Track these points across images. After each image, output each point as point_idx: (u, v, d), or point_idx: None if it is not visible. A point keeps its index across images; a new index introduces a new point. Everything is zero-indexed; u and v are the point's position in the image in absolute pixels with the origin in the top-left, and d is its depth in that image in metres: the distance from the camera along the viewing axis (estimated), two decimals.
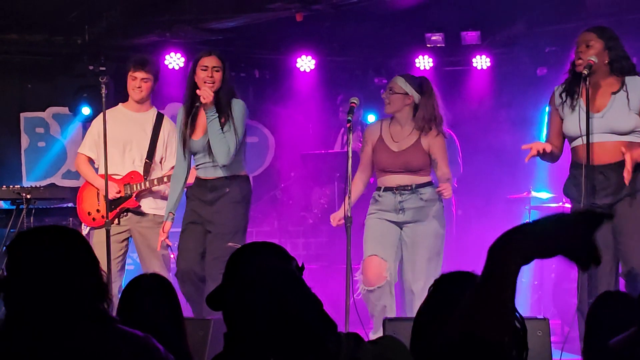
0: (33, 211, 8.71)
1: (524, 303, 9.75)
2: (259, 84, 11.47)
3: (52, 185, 10.06)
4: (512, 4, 10.20)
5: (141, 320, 3.83)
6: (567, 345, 6.53)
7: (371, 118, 11.29)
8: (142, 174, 7.77)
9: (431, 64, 11.49)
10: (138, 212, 7.78)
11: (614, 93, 6.46)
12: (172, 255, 8.38)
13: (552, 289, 9.39)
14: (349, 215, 6.70)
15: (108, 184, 7.57)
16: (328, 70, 11.59)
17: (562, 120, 6.65)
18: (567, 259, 2.10)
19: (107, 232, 7.16)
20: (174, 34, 10.12)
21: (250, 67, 11.37)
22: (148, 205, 7.81)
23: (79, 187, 10.27)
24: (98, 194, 7.87)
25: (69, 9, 10.01)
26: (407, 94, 7.45)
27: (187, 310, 7.84)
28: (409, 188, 7.39)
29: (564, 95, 6.66)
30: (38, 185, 9.05)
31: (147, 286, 4.00)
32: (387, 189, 7.45)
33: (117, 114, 7.85)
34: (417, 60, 11.48)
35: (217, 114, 7.04)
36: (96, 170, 7.93)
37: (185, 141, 7.24)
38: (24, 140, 10.51)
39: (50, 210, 9.50)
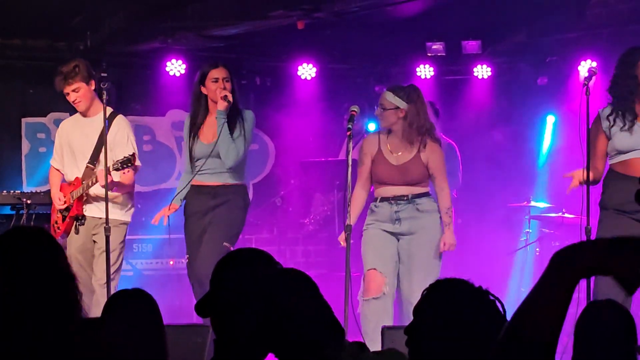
0: (33, 216, 8.71)
1: None
2: (260, 91, 11.48)
3: None
4: (513, 14, 10.21)
5: (120, 334, 3.82)
6: (566, 356, 6.53)
7: (372, 127, 11.30)
8: (81, 179, 7.64)
9: (432, 73, 11.49)
10: (94, 216, 7.63)
11: None
12: (171, 262, 8.41)
13: None
14: (349, 223, 6.72)
15: (56, 194, 7.74)
16: (329, 78, 11.60)
17: (608, 140, 6.70)
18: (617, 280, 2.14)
19: (107, 238, 7.13)
20: (176, 40, 10.13)
21: (251, 74, 11.38)
22: (99, 209, 7.54)
23: None
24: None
25: (71, 15, 10.03)
26: (398, 107, 7.43)
27: (184, 318, 7.86)
28: (405, 198, 7.40)
29: (611, 118, 6.70)
30: (38, 191, 9.05)
31: (128, 304, 3.97)
32: (383, 199, 7.47)
33: (74, 122, 7.82)
34: (417, 69, 11.49)
35: (226, 118, 7.22)
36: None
37: (191, 148, 7.41)
38: (25, 146, 10.51)
39: (50, 215, 9.51)
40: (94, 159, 7.60)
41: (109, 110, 7.59)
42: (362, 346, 3.26)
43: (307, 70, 11.41)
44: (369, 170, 7.56)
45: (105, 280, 7.27)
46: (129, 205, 7.72)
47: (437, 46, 11.16)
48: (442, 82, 11.61)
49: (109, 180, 7.18)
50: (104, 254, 7.31)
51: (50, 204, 8.93)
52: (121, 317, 3.87)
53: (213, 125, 7.34)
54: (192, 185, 7.47)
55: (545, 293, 2.19)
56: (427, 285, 3.19)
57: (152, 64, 10.78)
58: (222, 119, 7.24)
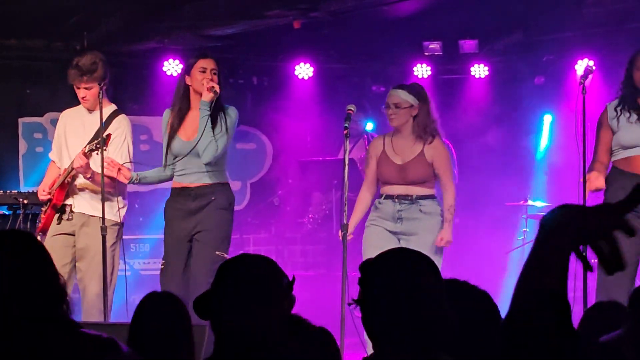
0: (30, 216, 8.70)
1: None
2: (257, 91, 11.49)
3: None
4: (510, 13, 10.22)
5: (152, 341, 3.85)
6: None
7: (369, 126, 11.31)
8: (67, 169, 7.42)
9: (429, 72, 11.50)
10: (83, 212, 7.38)
11: None
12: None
13: None
14: (345, 222, 6.72)
15: (41, 186, 7.61)
16: (326, 77, 11.60)
17: (613, 134, 6.71)
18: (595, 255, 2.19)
19: (103, 237, 7.07)
20: (172, 40, 10.13)
21: (248, 74, 11.38)
22: (90, 206, 7.38)
23: None
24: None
25: (68, 15, 10.02)
26: (412, 105, 7.46)
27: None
28: (409, 198, 7.41)
29: (619, 109, 6.71)
30: (35, 191, 9.04)
31: (156, 306, 4.00)
32: (388, 197, 7.48)
33: (74, 115, 7.64)
34: (415, 69, 11.49)
35: (209, 112, 6.93)
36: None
37: (170, 144, 7.13)
38: (22, 146, 10.51)
39: None
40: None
41: (113, 107, 7.55)
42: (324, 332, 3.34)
43: (304, 70, 11.41)
44: (374, 173, 7.56)
45: (101, 287, 7.14)
46: (121, 205, 7.50)
47: (434, 45, 11.17)
48: (439, 81, 11.61)
49: (83, 163, 7.04)
50: (96, 258, 7.16)
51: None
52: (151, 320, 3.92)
53: (194, 122, 7.05)
54: (172, 188, 7.24)
55: (539, 264, 2.23)
56: None
57: (149, 63, 10.78)
58: (205, 110, 6.92)
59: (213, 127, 6.98)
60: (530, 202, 10.29)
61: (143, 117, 10.83)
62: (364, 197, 7.58)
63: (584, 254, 2.21)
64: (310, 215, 11.27)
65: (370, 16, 10.11)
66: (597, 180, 6.73)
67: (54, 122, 10.50)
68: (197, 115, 7.03)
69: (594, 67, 6.83)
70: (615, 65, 8.56)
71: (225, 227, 7.10)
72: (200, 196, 7.03)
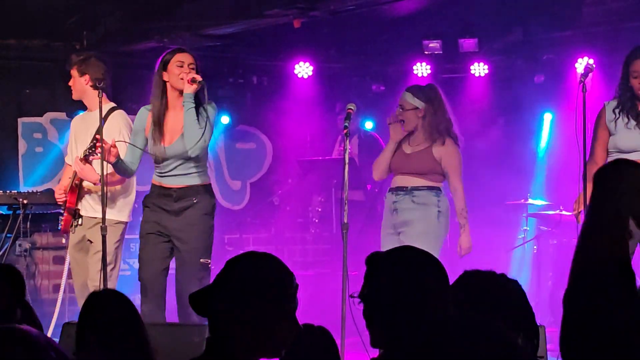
0: (30, 216, 8.71)
1: None
2: (257, 90, 11.48)
3: (49, 190, 10.00)
4: (510, 12, 10.21)
5: (101, 338, 3.80)
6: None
7: (369, 125, 11.31)
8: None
9: (429, 71, 11.49)
10: (89, 216, 7.46)
11: None
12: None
13: (549, 297, 9.39)
14: (346, 221, 6.72)
15: (57, 189, 7.65)
16: (326, 76, 11.60)
17: (610, 134, 6.69)
18: None
19: (103, 237, 7.06)
20: (172, 40, 10.11)
21: (248, 74, 11.37)
22: (94, 209, 7.44)
23: None
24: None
25: (67, 15, 10.02)
26: (417, 108, 7.58)
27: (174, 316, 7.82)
28: (404, 189, 7.55)
29: (617, 111, 6.69)
30: (35, 191, 9.05)
31: (103, 304, 3.95)
32: (390, 190, 7.69)
33: (80, 118, 7.77)
34: (414, 68, 11.48)
35: (194, 104, 6.70)
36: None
37: (151, 148, 6.92)
38: (22, 146, 10.50)
39: (47, 215, 9.50)
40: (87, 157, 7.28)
41: (110, 105, 7.57)
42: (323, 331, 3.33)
43: (303, 69, 11.40)
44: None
45: (98, 283, 7.14)
46: (125, 204, 7.57)
47: (434, 44, 11.15)
48: (439, 80, 11.58)
49: (79, 169, 7.11)
50: (98, 254, 7.20)
51: (46, 203, 8.94)
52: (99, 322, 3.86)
53: (175, 124, 6.87)
54: (153, 185, 7.07)
55: (599, 230, 2.18)
56: None
57: (149, 63, 10.70)
58: (189, 102, 6.68)
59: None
60: (530, 201, 10.28)
61: None
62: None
63: None
64: (310, 215, 11.26)
65: (370, 15, 10.10)
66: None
67: (53, 122, 10.52)
68: (177, 116, 6.86)
69: (594, 66, 6.82)
70: (615, 63, 8.53)
71: (209, 234, 6.94)
72: (182, 197, 6.88)
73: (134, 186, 7.66)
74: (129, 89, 10.60)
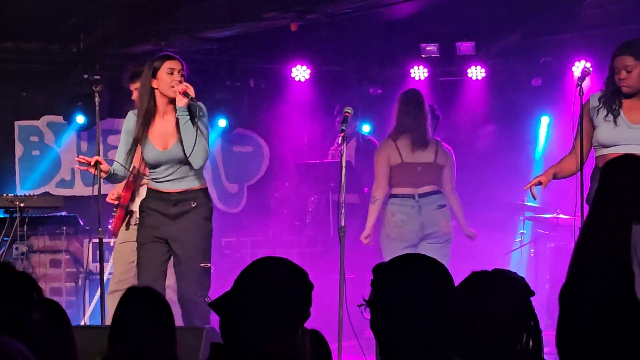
0: (26, 220, 8.69)
1: None
2: (254, 93, 11.47)
3: (46, 193, 10.04)
4: (507, 15, 10.21)
5: (133, 334, 3.82)
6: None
7: (366, 128, 11.30)
8: (133, 180, 7.48)
9: (426, 74, 11.49)
10: None
11: None
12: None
13: (546, 300, 9.38)
14: (343, 225, 6.71)
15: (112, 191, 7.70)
16: (323, 80, 11.59)
17: (593, 126, 6.66)
18: None
19: (100, 240, 7.06)
20: (169, 43, 10.11)
21: (245, 77, 11.35)
22: None
23: (72, 196, 10.30)
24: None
25: (64, 18, 10.00)
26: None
27: (178, 319, 7.82)
28: None
29: (601, 101, 6.66)
30: (32, 194, 9.03)
31: (138, 300, 3.97)
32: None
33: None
34: (412, 71, 11.48)
35: (188, 116, 6.67)
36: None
37: (145, 154, 6.87)
38: (18, 149, 10.48)
39: (44, 218, 9.50)
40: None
41: None
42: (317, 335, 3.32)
43: (301, 72, 11.39)
44: None
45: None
46: None
47: (431, 47, 11.16)
48: (437, 83, 11.60)
49: None
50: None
51: (43, 207, 8.93)
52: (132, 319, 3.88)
53: (164, 128, 6.82)
54: (149, 189, 7.00)
55: (601, 227, 2.15)
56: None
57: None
58: (184, 116, 6.64)
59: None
60: (527, 204, 10.28)
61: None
62: None
63: None
64: (307, 218, 11.25)
65: (367, 18, 10.10)
66: (542, 175, 6.84)
67: (50, 125, 10.52)
68: (167, 121, 6.82)
69: (591, 69, 6.80)
70: None
71: (208, 238, 6.90)
72: (181, 201, 6.82)
73: None
74: (125, 91, 10.60)
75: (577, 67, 10.22)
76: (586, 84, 6.70)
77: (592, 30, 10.10)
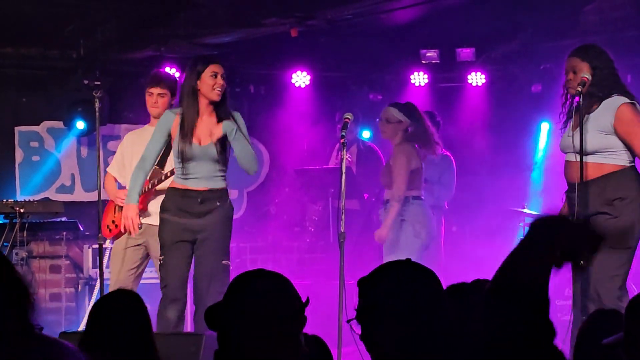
0: (26, 225, 8.69)
1: None
2: (254, 99, 11.47)
3: (46, 199, 10.04)
4: (507, 21, 10.22)
5: (108, 336, 3.79)
6: None
7: (366, 134, 11.30)
8: (149, 179, 7.48)
9: (426, 80, 11.49)
10: (150, 224, 7.44)
11: (588, 113, 6.47)
12: None
13: None
14: (342, 231, 6.71)
15: (117, 193, 7.75)
16: (323, 86, 11.59)
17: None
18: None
19: (100, 245, 7.08)
20: (169, 48, 10.12)
21: (245, 82, 11.36)
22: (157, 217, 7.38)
23: (72, 201, 10.28)
24: (115, 207, 7.79)
25: (64, 23, 10.01)
26: (400, 121, 8.28)
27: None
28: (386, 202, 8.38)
29: (560, 115, 6.71)
30: (32, 200, 9.03)
31: (115, 303, 3.94)
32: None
33: (143, 132, 7.79)
34: (412, 77, 11.48)
35: (241, 135, 7.02)
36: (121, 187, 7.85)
37: (182, 150, 7.01)
38: (18, 154, 10.48)
39: (44, 224, 9.49)
40: (161, 163, 7.47)
41: None
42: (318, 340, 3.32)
43: (301, 78, 11.39)
44: None
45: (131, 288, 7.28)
46: None
47: (431, 53, 11.16)
48: (437, 89, 11.60)
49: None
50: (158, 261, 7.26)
51: (43, 212, 8.92)
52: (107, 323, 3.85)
53: (206, 127, 7.02)
54: (173, 189, 7.13)
55: (525, 258, 2.42)
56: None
57: (146, 72, 10.72)
58: (233, 128, 6.96)
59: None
60: (527, 210, 10.27)
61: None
62: None
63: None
64: (306, 224, 11.25)
65: (368, 24, 10.11)
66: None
67: (50, 131, 10.51)
68: (204, 120, 7.03)
69: (590, 76, 6.79)
70: None
71: (229, 238, 7.13)
72: (207, 200, 7.01)
73: None
74: (125, 97, 10.62)
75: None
76: (586, 90, 6.68)
77: (592, 36, 10.08)
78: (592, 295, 6.14)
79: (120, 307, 3.91)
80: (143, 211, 7.49)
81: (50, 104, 10.46)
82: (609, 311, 4.05)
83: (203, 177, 7.04)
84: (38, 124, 10.58)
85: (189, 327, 8.37)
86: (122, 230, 7.38)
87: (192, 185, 7.05)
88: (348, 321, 3.22)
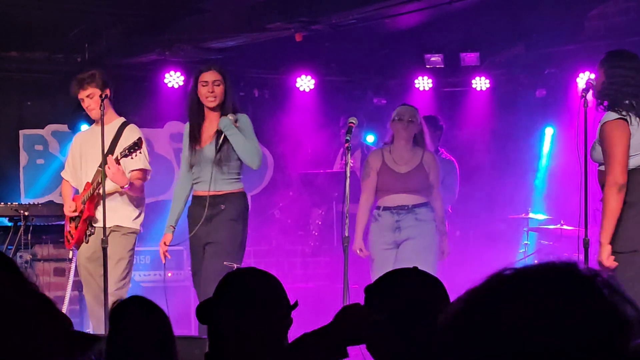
0: (31, 228, 8.70)
1: None
2: (258, 104, 11.47)
3: (50, 202, 10.05)
4: (511, 26, 10.22)
5: (129, 345, 3.79)
6: None
7: (370, 139, 11.30)
8: (91, 182, 7.53)
9: (430, 85, 11.50)
10: (102, 226, 7.38)
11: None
12: (169, 274, 8.40)
13: None
14: (346, 235, 6.72)
15: (67, 203, 7.69)
16: (327, 90, 11.60)
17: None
18: None
19: (104, 249, 7.10)
20: (173, 53, 10.12)
21: (249, 87, 11.37)
22: (109, 218, 7.38)
23: None
24: (69, 217, 7.77)
25: (69, 27, 10.02)
26: (419, 122, 8.14)
27: (181, 329, 7.84)
28: (406, 208, 7.84)
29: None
30: (36, 203, 9.05)
31: (133, 311, 3.94)
32: (386, 209, 7.89)
33: (88, 133, 7.86)
34: (416, 81, 11.49)
35: (236, 130, 7.16)
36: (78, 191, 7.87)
37: (192, 153, 7.30)
38: (23, 158, 10.49)
39: (48, 227, 9.50)
40: (103, 164, 7.39)
41: (122, 120, 7.77)
42: None
43: (305, 82, 11.41)
44: (373, 184, 8.03)
45: (116, 288, 7.35)
46: (139, 213, 7.67)
47: (436, 58, 11.17)
48: (441, 94, 11.61)
49: (115, 170, 7.21)
50: (116, 262, 7.38)
51: (47, 215, 8.93)
52: (126, 329, 3.84)
53: (209, 131, 7.28)
54: (192, 195, 7.46)
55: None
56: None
57: (150, 76, 10.77)
58: (226, 123, 7.16)
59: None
60: (531, 215, 10.27)
61: (144, 129, 10.77)
62: (366, 207, 7.86)
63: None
64: (310, 228, 11.25)
65: (372, 29, 10.11)
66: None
67: (55, 134, 10.52)
68: (211, 125, 7.24)
69: (594, 82, 6.78)
70: None
71: (235, 239, 7.23)
72: (212, 205, 7.17)
73: (144, 198, 7.77)
74: (130, 101, 10.61)
75: (582, 79, 10.20)
76: (590, 95, 6.68)
77: (596, 41, 10.09)
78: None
79: (139, 313, 3.90)
80: (91, 217, 7.52)
81: (55, 107, 10.46)
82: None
83: (206, 181, 7.19)
84: (43, 128, 10.59)
85: (192, 330, 8.40)
86: (78, 242, 7.51)
87: (199, 189, 7.30)
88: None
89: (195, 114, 7.37)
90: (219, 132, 7.16)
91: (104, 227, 7.13)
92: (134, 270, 9.86)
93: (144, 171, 7.53)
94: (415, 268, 3.22)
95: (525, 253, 10.37)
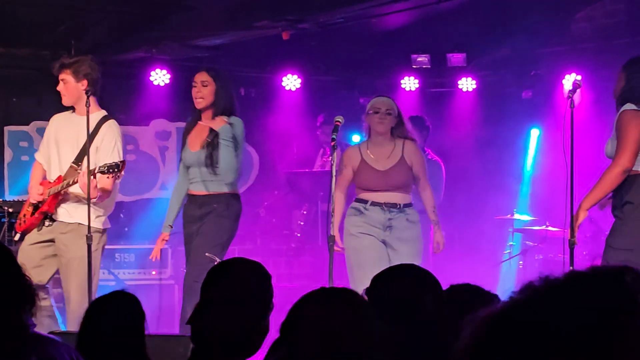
0: (15, 225, 8.66)
1: None
2: (244, 102, 11.41)
3: None
4: (498, 27, 10.23)
5: (100, 337, 3.78)
6: None
7: (356, 138, 11.29)
8: (63, 178, 7.33)
9: (417, 85, 11.50)
10: (62, 221, 7.30)
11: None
12: (153, 272, 8.41)
13: None
14: (332, 234, 6.71)
15: (35, 187, 7.45)
16: (314, 89, 11.59)
17: None
18: None
19: (89, 246, 7.04)
20: (160, 50, 10.11)
21: (235, 85, 11.33)
22: (69, 214, 7.30)
23: None
24: (29, 201, 7.57)
25: (55, 24, 9.99)
26: (397, 114, 7.75)
27: (165, 327, 7.83)
28: (398, 207, 7.62)
29: None
30: (21, 199, 9.01)
31: (112, 305, 3.92)
32: (375, 204, 7.63)
33: (65, 118, 7.55)
34: (402, 81, 11.49)
35: (232, 141, 7.28)
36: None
37: (185, 154, 7.47)
38: (7, 154, 10.46)
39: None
40: (78, 160, 7.27)
41: (102, 113, 7.48)
42: None
43: (291, 81, 11.40)
44: (348, 179, 7.81)
45: (82, 295, 7.13)
46: (102, 212, 7.37)
47: (422, 58, 11.17)
48: (427, 94, 11.62)
49: (92, 185, 6.90)
50: (76, 261, 7.15)
51: None
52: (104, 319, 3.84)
53: (201, 132, 7.37)
54: (187, 194, 7.58)
55: None
56: None
57: (137, 73, 10.74)
58: (227, 137, 7.32)
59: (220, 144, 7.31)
60: (517, 216, 10.28)
61: (130, 126, 10.78)
62: (340, 202, 7.71)
63: None
64: (295, 227, 11.24)
65: (359, 28, 10.11)
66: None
67: (39, 131, 10.47)
68: (201, 126, 7.36)
69: (581, 82, 6.81)
70: (603, 80, 8.55)
71: (220, 233, 7.34)
72: (205, 204, 7.33)
73: (113, 198, 7.52)
74: (116, 98, 10.58)
75: (568, 80, 10.22)
76: (577, 96, 6.70)
77: (583, 43, 10.12)
78: None
79: (113, 309, 3.90)
80: (49, 213, 7.32)
81: (40, 104, 10.43)
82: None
83: (199, 181, 7.37)
84: (28, 124, 10.56)
85: (176, 328, 8.37)
86: (28, 229, 7.37)
87: (194, 189, 7.44)
88: None
89: (190, 115, 7.60)
90: (214, 134, 7.25)
91: (89, 226, 7.02)
92: (118, 268, 9.86)
93: (118, 177, 7.21)
94: (412, 265, 3.24)
95: (510, 254, 10.39)
